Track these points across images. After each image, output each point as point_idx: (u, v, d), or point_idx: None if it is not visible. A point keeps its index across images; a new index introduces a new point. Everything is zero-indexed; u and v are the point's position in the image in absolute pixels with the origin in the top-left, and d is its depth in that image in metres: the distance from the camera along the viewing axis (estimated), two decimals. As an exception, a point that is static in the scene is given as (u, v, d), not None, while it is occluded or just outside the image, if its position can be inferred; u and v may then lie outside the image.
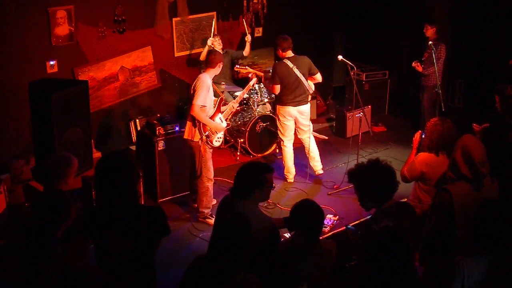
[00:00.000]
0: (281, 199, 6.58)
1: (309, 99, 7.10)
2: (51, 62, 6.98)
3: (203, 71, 6.01)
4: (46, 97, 5.30)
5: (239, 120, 7.86)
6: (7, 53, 6.64)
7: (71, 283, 3.65)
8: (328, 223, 5.96)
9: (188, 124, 5.96)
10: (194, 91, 5.78)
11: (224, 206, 3.99)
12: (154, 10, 7.81)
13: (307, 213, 3.63)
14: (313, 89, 7.19)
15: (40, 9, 6.79)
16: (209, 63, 5.95)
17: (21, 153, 6.61)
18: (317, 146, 8.47)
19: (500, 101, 5.51)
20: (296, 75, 6.73)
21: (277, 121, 7.04)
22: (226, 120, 6.24)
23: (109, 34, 7.46)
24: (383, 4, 9.33)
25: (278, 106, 6.94)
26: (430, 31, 8.03)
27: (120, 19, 7.52)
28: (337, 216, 6.19)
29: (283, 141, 7.08)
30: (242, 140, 7.62)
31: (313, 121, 9.39)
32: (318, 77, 7.03)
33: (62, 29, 7.01)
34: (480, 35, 8.29)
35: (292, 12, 9.31)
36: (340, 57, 6.97)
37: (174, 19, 8.05)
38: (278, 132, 7.10)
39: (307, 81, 6.84)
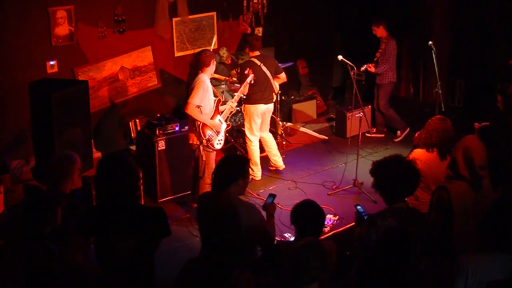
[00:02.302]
0: (281, 199, 6.57)
1: (275, 98, 7.29)
2: (51, 62, 6.97)
3: (200, 72, 5.98)
4: (46, 97, 5.30)
5: (239, 120, 7.85)
6: (7, 53, 6.64)
7: (71, 283, 3.65)
8: (328, 223, 5.96)
9: (189, 128, 5.96)
10: (192, 89, 5.78)
11: (205, 202, 4.00)
12: (154, 10, 7.81)
13: (308, 213, 3.64)
14: (278, 89, 7.32)
15: (40, 9, 6.79)
16: (202, 63, 5.91)
17: (21, 153, 6.61)
18: (317, 146, 8.52)
19: (502, 100, 5.52)
20: (265, 73, 6.85)
21: (247, 121, 7.04)
22: (225, 120, 6.24)
23: (109, 34, 7.45)
24: (383, 4, 9.33)
25: (247, 106, 6.97)
26: (378, 31, 8.25)
27: (120, 19, 7.51)
28: (337, 216, 6.19)
29: (251, 142, 7.06)
30: (242, 140, 7.61)
31: (313, 121, 9.46)
32: (283, 76, 7.18)
33: (62, 29, 7.01)
34: (480, 35, 8.29)
35: (292, 12, 9.31)
36: (340, 57, 6.98)
37: (174, 19, 8.05)
38: (246, 131, 7.07)
39: (273, 80, 6.97)
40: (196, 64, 6.04)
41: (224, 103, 6.73)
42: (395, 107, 8.66)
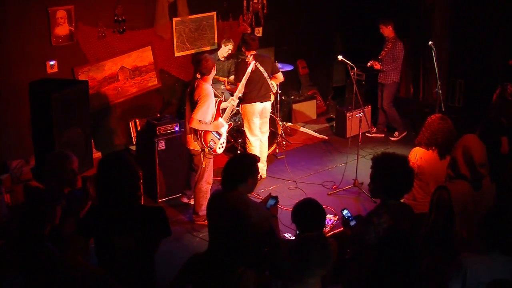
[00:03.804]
0: (281, 199, 6.56)
1: (272, 99, 7.26)
2: (51, 62, 6.97)
3: (202, 81, 5.86)
4: (46, 97, 5.30)
5: (239, 120, 7.85)
6: (7, 53, 6.64)
7: (71, 283, 3.65)
8: (328, 223, 5.96)
9: (189, 136, 5.95)
10: (197, 102, 5.70)
11: (215, 201, 4.04)
12: (154, 10, 7.81)
13: (309, 212, 3.65)
14: (276, 89, 7.29)
15: (40, 9, 6.79)
16: (204, 72, 5.83)
17: (21, 153, 6.60)
18: (317, 146, 8.51)
19: (497, 97, 5.58)
20: (260, 72, 6.81)
21: (245, 121, 7.03)
22: (227, 122, 6.22)
23: (109, 34, 7.45)
24: (383, 4, 9.33)
25: (244, 105, 6.95)
26: (386, 30, 8.28)
27: (120, 19, 7.51)
28: (337, 216, 6.19)
29: (250, 142, 7.06)
30: (242, 140, 7.61)
31: (313, 121, 9.46)
32: (280, 76, 7.16)
33: (62, 29, 7.01)
34: (480, 35, 8.29)
35: (292, 12, 9.31)
36: (340, 57, 6.98)
37: (174, 19, 8.05)
38: (246, 132, 7.07)
39: (270, 80, 6.94)
40: (196, 69, 5.96)
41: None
42: (395, 107, 8.68)
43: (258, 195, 6.72)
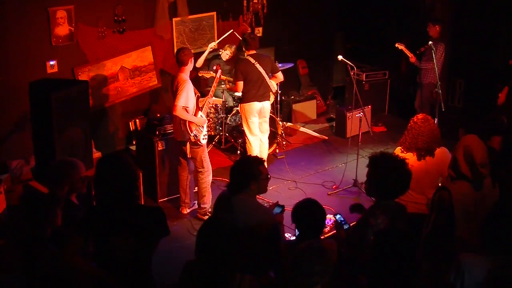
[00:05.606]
0: (281, 199, 6.56)
1: (272, 98, 7.25)
2: (51, 62, 6.98)
3: (179, 72, 5.92)
4: (46, 97, 5.31)
5: (239, 120, 7.85)
6: (7, 53, 6.64)
7: (71, 284, 3.65)
8: (328, 223, 5.95)
9: (176, 128, 6.03)
10: (176, 92, 5.79)
11: (222, 202, 4.07)
12: (154, 10, 7.81)
13: (309, 212, 3.65)
14: (276, 89, 7.28)
15: (40, 9, 6.79)
16: (181, 62, 5.88)
17: (21, 153, 6.61)
18: (317, 146, 8.50)
19: (508, 93, 5.58)
20: (259, 71, 6.82)
21: (244, 120, 7.04)
22: (206, 116, 6.29)
23: (109, 34, 7.46)
24: (383, 4, 9.34)
25: (242, 105, 6.96)
26: (433, 30, 8.17)
27: (120, 19, 7.51)
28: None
29: (250, 142, 7.06)
30: (241, 140, 7.61)
31: (313, 121, 9.46)
32: (280, 75, 7.15)
33: (62, 29, 7.01)
34: (480, 35, 8.30)
35: (292, 12, 9.32)
36: (340, 57, 6.98)
37: (174, 19, 8.05)
38: (245, 132, 7.07)
39: (270, 79, 6.95)
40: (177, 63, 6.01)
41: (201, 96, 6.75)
42: (394, 107, 8.67)
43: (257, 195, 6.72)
